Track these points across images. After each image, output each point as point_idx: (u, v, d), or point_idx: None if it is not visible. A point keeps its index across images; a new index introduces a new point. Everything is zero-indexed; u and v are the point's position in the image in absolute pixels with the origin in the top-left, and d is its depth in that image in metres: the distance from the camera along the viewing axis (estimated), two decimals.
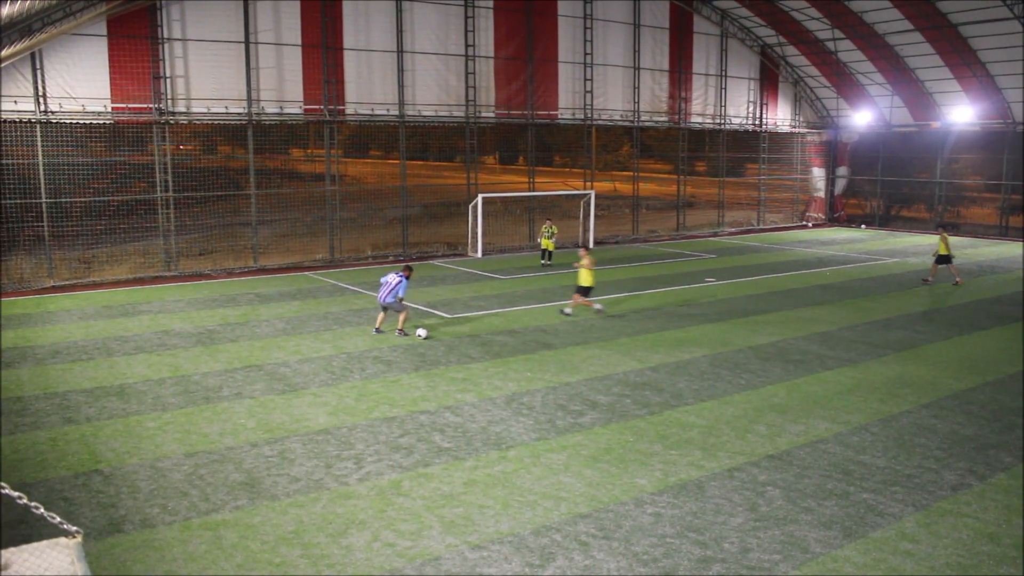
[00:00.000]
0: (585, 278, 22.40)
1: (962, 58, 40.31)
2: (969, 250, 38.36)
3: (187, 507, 10.76)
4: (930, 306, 24.70)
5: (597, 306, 22.88)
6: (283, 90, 30.90)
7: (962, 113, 43.40)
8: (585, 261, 22.41)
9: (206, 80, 29.29)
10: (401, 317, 20.25)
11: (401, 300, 20.00)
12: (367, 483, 11.55)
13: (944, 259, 28.65)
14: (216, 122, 30.13)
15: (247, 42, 29.67)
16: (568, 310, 23.00)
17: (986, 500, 11.22)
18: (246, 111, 30.04)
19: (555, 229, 33.03)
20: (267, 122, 30.79)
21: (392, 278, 20.01)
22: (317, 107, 31.72)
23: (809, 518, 10.59)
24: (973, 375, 17.34)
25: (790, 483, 11.67)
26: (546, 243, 32.61)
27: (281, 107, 30.93)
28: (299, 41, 30.98)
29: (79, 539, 4.98)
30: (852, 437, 13.58)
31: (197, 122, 29.73)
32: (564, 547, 9.78)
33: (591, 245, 36.68)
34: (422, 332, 20.25)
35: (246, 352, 18.67)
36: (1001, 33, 37.53)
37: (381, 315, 20.62)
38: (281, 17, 30.44)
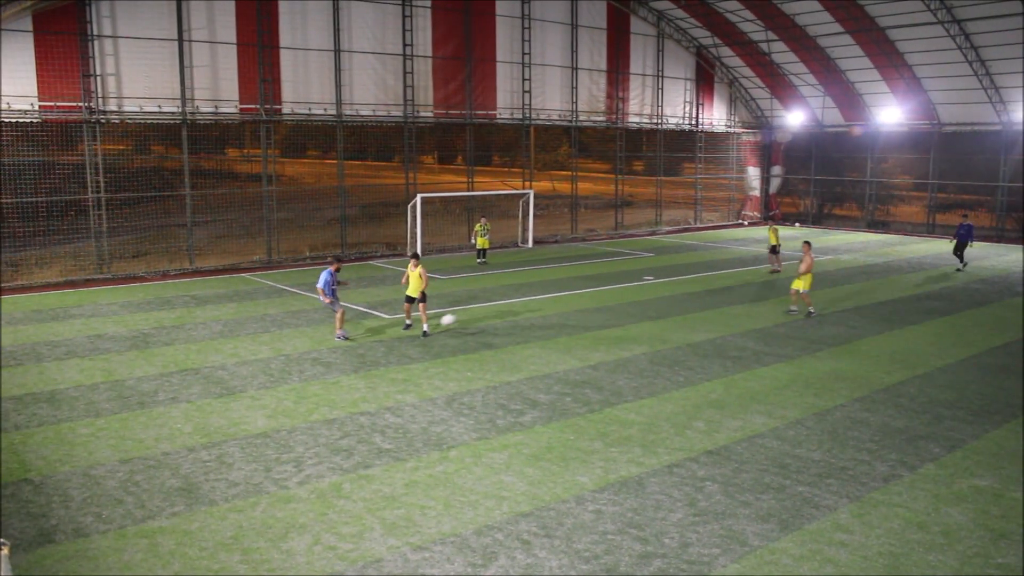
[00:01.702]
0: (415, 287, 20.42)
1: (890, 60, 41.33)
2: (899, 247, 39.36)
3: (122, 515, 10.55)
4: (862, 302, 25.27)
5: (448, 319, 20.98)
6: (218, 89, 30.43)
7: (890, 114, 44.52)
8: (417, 270, 20.34)
9: (138, 78, 28.71)
10: (340, 314, 19.94)
11: (332, 291, 19.59)
12: (307, 486, 11.45)
13: (773, 249, 30.86)
14: (149, 121, 29.52)
15: (180, 40, 29.14)
16: (410, 322, 21.16)
17: (916, 490, 11.53)
18: (180, 110, 29.51)
19: (489, 226, 33.12)
20: (202, 121, 30.30)
21: (325, 274, 19.70)
22: (253, 106, 31.31)
23: (747, 512, 10.77)
24: (904, 369, 17.79)
25: (728, 478, 11.86)
26: (481, 241, 32.69)
27: (216, 106, 30.46)
28: (234, 39, 30.54)
29: (5, 551, 4.87)
30: (788, 431, 13.85)
31: (129, 121, 29.11)
32: (506, 546, 9.81)
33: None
34: (449, 319, 20.73)
35: (182, 356, 18.36)
36: (926, 37, 38.61)
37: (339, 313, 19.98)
38: (215, 15, 29.97)
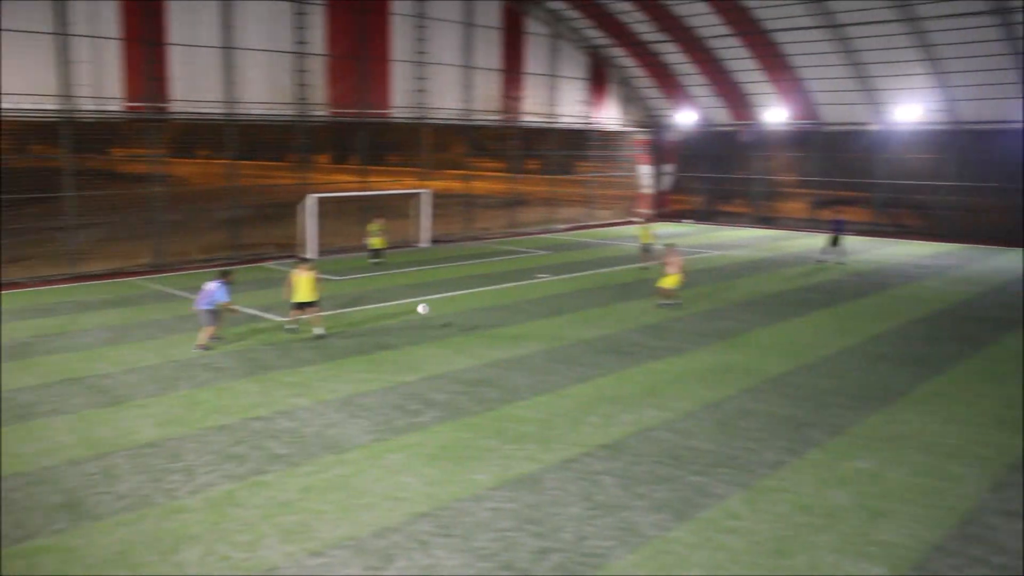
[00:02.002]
0: (304, 292, 20.03)
1: (775, 62, 42.73)
2: (784, 242, 40.70)
3: None
4: (750, 296, 26.05)
5: (319, 330, 20.51)
6: (102, 86, 29.33)
7: (776, 113, 46.03)
8: (311, 275, 20.08)
9: (14, 73, 27.39)
10: (209, 330, 19.16)
11: (222, 305, 19.10)
12: (199, 495, 11.20)
13: (647, 247, 31.71)
14: (27, 119, 28.25)
15: (60, 34, 27.98)
16: (292, 326, 20.83)
17: (801, 475, 11.99)
18: (61, 108, 28.35)
19: (385, 227, 32.97)
20: (85, 120, 29.14)
21: (211, 286, 19.10)
22: (140, 104, 30.32)
23: (642, 503, 11.02)
24: (789, 359, 18.44)
25: (623, 471, 12.10)
26: (375, 241, 32.49)
27: (100, 104, 29.38)
28: (119, 34, 29.49)
29: None
30: (680, 423, 14.20)
31: (5, 119, 27.78)
32: (404, 547, 9.80)
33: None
34: (423, 308, 21.63)
35: (64, 364, 17.68)
36: (809, 40, 40.04)
37: (207, 330, 19.18)
38: (98, 9, 28.84)
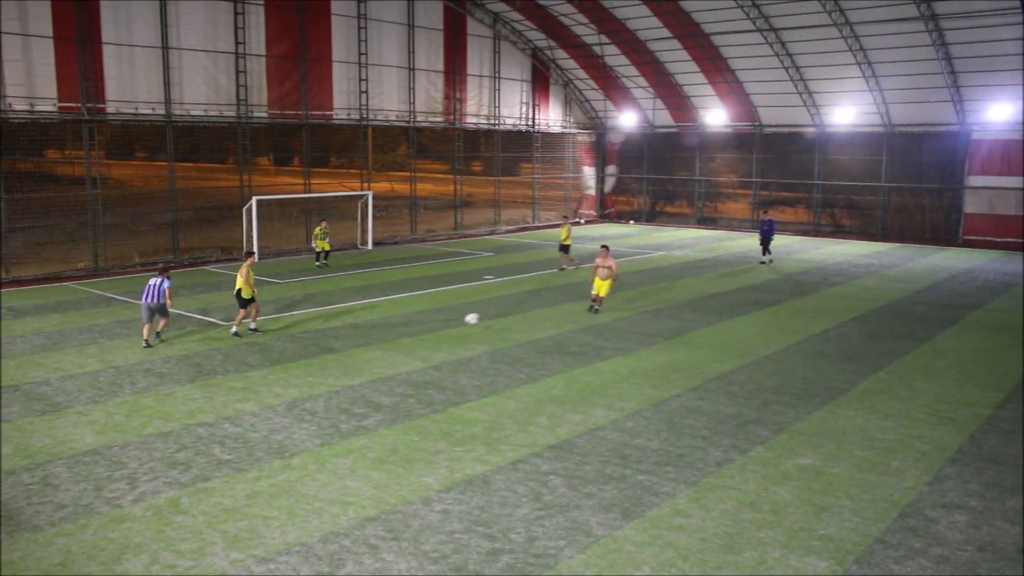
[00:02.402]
0: (245, 289, 20.30)
1: (715, 65, 43.34)
2: (727, 243, 41.24)
3: None
4: (694, 296, 26.35)
5: (252, 326, 20.95)
6: (33, 86, 28.64)
7: (716, 115, 46.69)
8: (243, 271, 20.38)
9: None
10: (162, 322, 19.78)
11: (167, 295, 19.54)
12: (142, 503, 10.98)
13: (564, 247, 31.44)
14: None
15: None
16: (236, 329, 20.69)
17: (747, 472, 12.16)
18: None
19: (329, 229, 32.81)
20: (16, 120, 28.40)
21: (154, 280, 19.54)
22: (74, 105, 29.66)
23: (591, 503, 11.07)
24: (733, 358, 18.70)
25: (571, 471, 12.15)
26: (321, 244, 32.30)
27: (32, 104, 28.66)
28: (51, 32, 28.79)
29: None
30: (627, 423, 14.31)
31: None
32: (353, 552, 9.72)
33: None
34: (472, 318, 22.09)
35: None
36: (747, 43, 40.72)
37: (148, 325, 19.45)
38: (28, 6, 28.14)
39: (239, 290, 20.25)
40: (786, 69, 41.15)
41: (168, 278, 19.81)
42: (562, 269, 31.32)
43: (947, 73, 37.52)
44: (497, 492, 11.41)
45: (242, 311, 20.53)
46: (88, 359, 18.25)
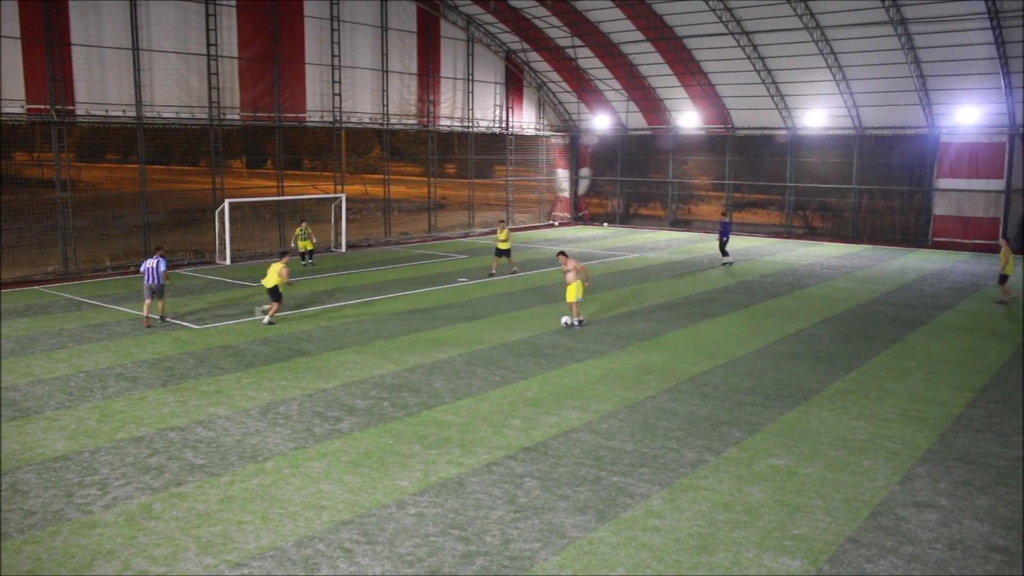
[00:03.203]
0: (272, 280, 22.10)
1: (687, 68, 43.58)
2: (700, 244, 41.45)
3: None
4: (667, 298, 26.46)
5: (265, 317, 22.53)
6: (1, 87, 28.28)
7: (689, 118, 46.95)
8: (279, 268, 22.06)
9: None
10: (160, 304, 21.99)
11: (166, 275, 21.76)
12: (114, 509, 10.88)
13: (501, 252, 30.49)
14: None
15: None
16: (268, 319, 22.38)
17: (721, 473, 12.22)
18: None
19: (310, 230, 33.16)
20: None
21: (150, 262, 21.55)
22: (43, 107, 29.34)
23: (565, 505, 11.09)
24: (707, 359, 18.80)
25: (546, 473, 12.16)
26: (304, 244, 32.65)
27: None
28: (18, 33, 28.46)
29: None
30: (602, 424, 14.34)
31: None
32: (328, 556, 9.68)
33: (344, 248, 36.48)
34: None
35: None
36: (719, 47, 41.00)
37: (148, 302, 21.67)
38: None
39: (272, 284, 22.11)
40: (758, 72, 41.47)
41: (163, 257, 21.78)
42: (491, 275, 30.39)
43: (916, 77, 37.96)
44: (472, 495, 11.40)
45: (275, 304, 22.29)
46: (58, 364, 18.06)
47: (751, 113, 44.93)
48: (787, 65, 40.75)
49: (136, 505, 11.00)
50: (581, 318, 22.47)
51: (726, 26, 39.05)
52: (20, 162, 31.32)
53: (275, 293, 22.17)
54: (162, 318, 22.20)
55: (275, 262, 22.46)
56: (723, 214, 38.56)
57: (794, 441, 13.62)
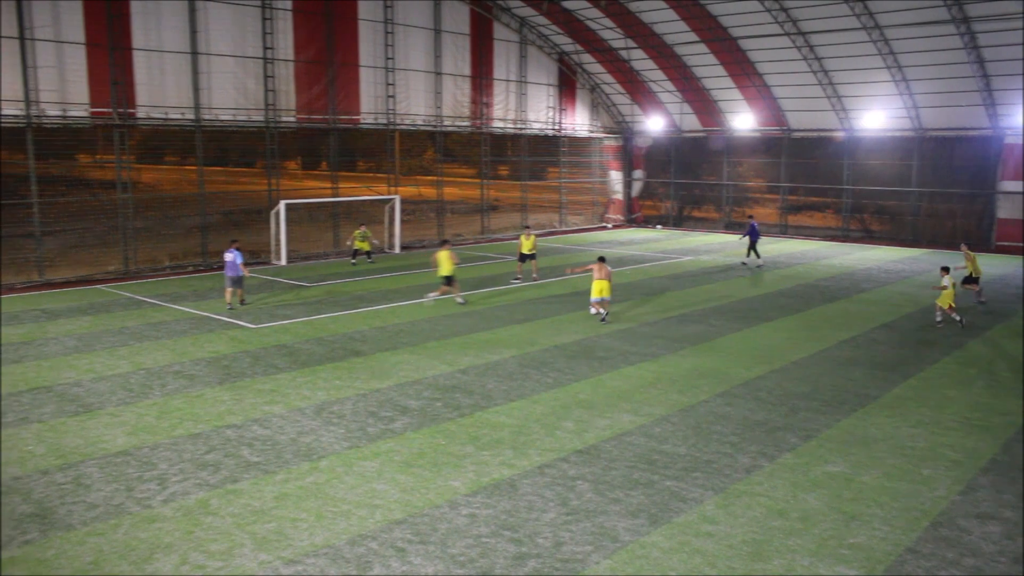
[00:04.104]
0: (446, 267, 25.03)
1: (742, 69, 43.12)
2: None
3: None
4: (721, 301, 26.21)
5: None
6: (66, 91, 29.00)
7: (744, 120, 46.47)
8: (445, 253, 25.20)
9: None
10: (239, 292, 24.30)
11: (244, 267, 23.91)
12: (172, 504, 11.08)
13: (524, 257, 30.00)
14: None
15: (22, 38, 27.60)
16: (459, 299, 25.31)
17: (775, 479, 12.07)
18: (24, 113, 27.96)
19: (369, 233, 34.33)
20: (49, 125, 28.78)
21: (229, 256, 23.60)
22: (105, 110, 30.00)
23: (617, 508, 11.03)
24: (761, 364, 18.57)
25: (598, 476, 12.11)
26: (361, 244, 34.01)
27: (64, 110, 29.01)
28: (83, 39, 29.17)
29: None
30: (655, 428, 14.25)
31: None
32: (381, 555, 9.75)
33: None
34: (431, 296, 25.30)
35: (32, 373, 17.43)
36: (774, 47, 40.50)
37: (229, 290, 24.04)
38: (60, 13, 28.52)
39: (447, 271, 24.81)
40: (814, 73, 40.88)
41: (239, 251, 23.77)
42: (516, 279, 30.19)
43: (979, 76, 37.10)
44: (524, 496, 11.40)
45: (447, 287, 24.92)
46: (119, 361, 18.45)
47: (807, 115, 44.29)
48: (844, 66, 40.10)
49: (194, 500, 11.19)
50: (605, 313, 23.01)
51: (782, 27, 38.58)
52: (84, 164, 32.08)
53: (449, 279, 24.90)
54: (241, 302, 24.63)
55: (440, 251, 25.24)
56: (749, 216, 38.12)
57: (851, 448, 13.39)
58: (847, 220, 44.88)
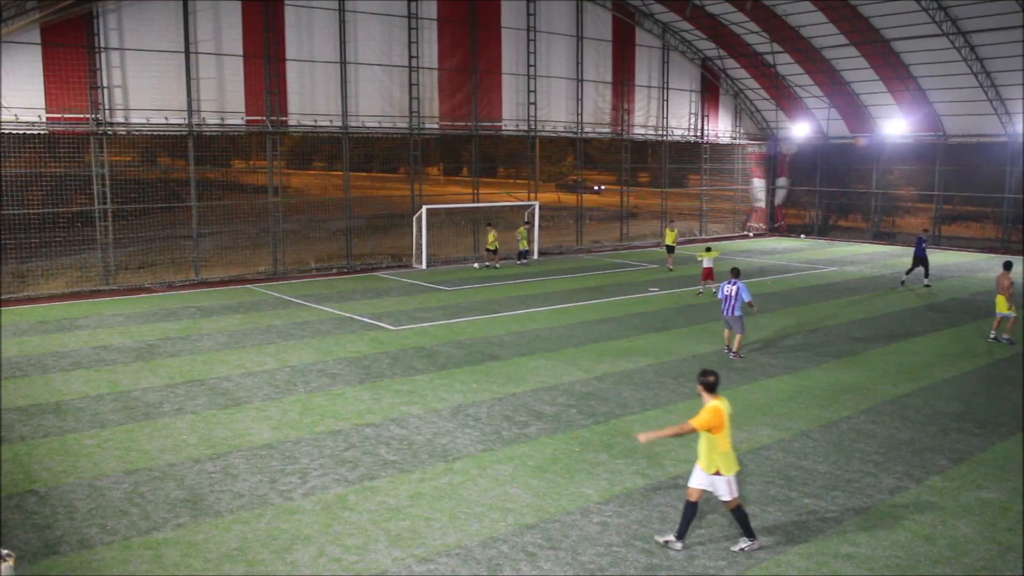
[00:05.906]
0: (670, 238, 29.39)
1: (895, 72, 41.36)
2: (904, 259, 39.13)
3: (127, 526, 10.55)
4: (867, 314, 25.22)
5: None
6: (224, 101, 30.54)
7: (895, 125, 44.54)
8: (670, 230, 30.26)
9: (145, 90, 28.80)
10: (737, 338, 19.68)
11: (748, 306, 19.61)
12: (312, 498, 11.45)
13: (671, 248, 34.47)
14: (155, 133, 29.62)
15: (187, 52, 29.29)
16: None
17: (922, 502, 11.48)
18: (186, 122, 29.61)
19: (524, 233, 36.21)
20: (208, 133, 30.40)
21: (729, 288, 19.56)
22: (259, 118, 31.41)
23: (753, 524, 10.72)
24: (909, 381, 17.74)
25: None
26: (522, 244, 35.96)
27: (222, 118, 30.57)
28: (240, 51, 30.67)
29: (11, 562, 4.86)
30: (794, 443, 13.81)
31: (136, 133, 29.15)
32: (511, 558, 9.79)
33: (535, 255, 37.13)
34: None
35: (187, 367, 18.38)
36: (931, 49, 38.65)
37: (727, 332, 20.02)
38: (222, 27, 30.12)
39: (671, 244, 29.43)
40: (975, 75, 38.79)
41: (740, 281, 19.65)
42: (669, 269, 33.76)
43: None
44: (657, 507, 11.24)
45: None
46: (266, 358, 19.22)
47: (965, 119, 42.05)
48: (1008, 67, 37.84)
49: (332, 495, 11.52)
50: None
51: (939, 27, 36.78)
52: (238, 169, 33.65)
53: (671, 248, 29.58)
54: (730, 349, 19.95)
55: (668, 229, 30.45)
56: (924, 231, 35.12)
57: (1006, 474, 12.60)
58: (1008, 231, 42.33)
